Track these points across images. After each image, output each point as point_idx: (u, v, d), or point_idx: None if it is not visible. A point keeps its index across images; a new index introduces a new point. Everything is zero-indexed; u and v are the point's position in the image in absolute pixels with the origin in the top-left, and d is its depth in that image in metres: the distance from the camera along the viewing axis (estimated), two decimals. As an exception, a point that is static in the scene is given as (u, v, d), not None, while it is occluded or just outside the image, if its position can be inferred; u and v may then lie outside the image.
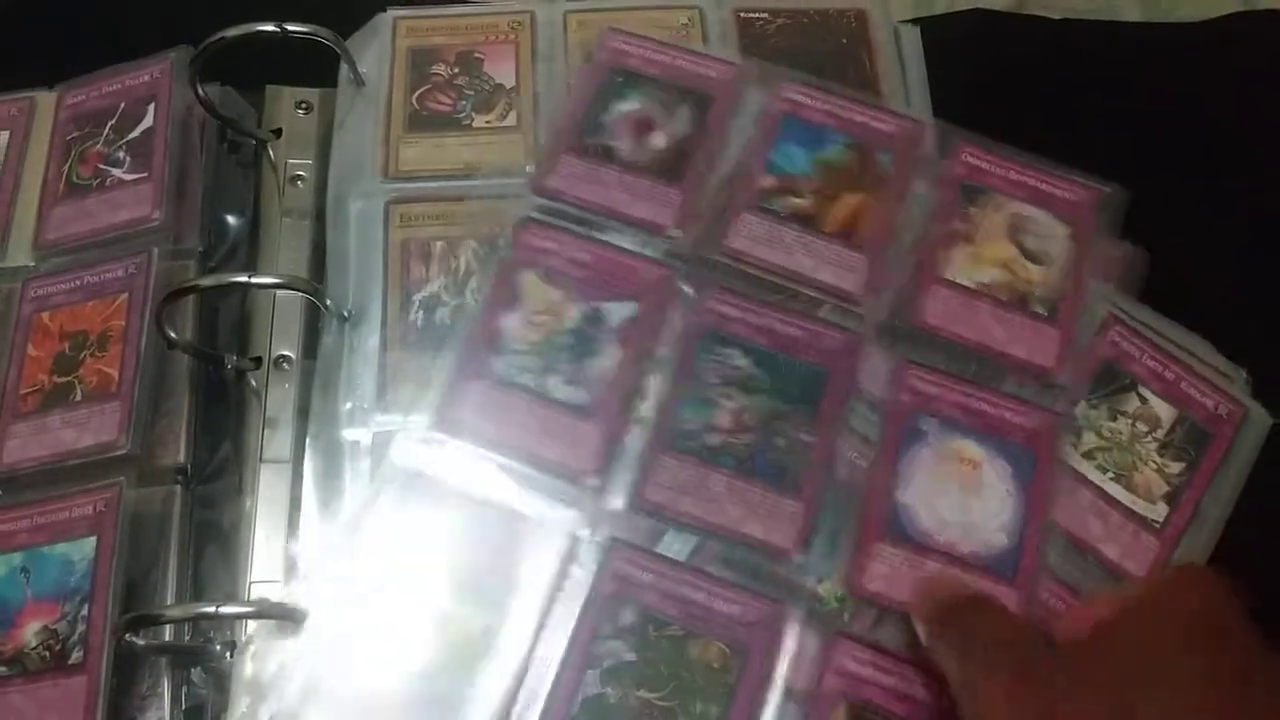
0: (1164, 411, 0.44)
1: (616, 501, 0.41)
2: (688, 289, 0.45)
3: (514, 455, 0.42)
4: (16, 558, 0.43)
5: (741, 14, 0.55)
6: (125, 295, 0.47)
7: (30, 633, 0.41)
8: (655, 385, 0.43)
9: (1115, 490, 0.43)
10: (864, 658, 0.39)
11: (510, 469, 0.42)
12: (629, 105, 0.49)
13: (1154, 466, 0.43)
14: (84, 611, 0.41)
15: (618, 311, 0.45)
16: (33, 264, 0.50)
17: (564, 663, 0.39)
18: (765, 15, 0.55)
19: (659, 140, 0.48)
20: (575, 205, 0.47)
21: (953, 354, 0.44)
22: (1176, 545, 0.42)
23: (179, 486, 0.45)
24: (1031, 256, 0.46)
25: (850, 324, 0.45)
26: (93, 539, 0.42)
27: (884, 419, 0.43)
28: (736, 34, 0.54)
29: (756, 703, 0.38)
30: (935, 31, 0.55)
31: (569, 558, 0.40)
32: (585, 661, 0.39)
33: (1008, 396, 0.43)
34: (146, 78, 0.52)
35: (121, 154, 0.51)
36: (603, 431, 0.42)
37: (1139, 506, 0.43)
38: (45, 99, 0.54)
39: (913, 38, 0.54)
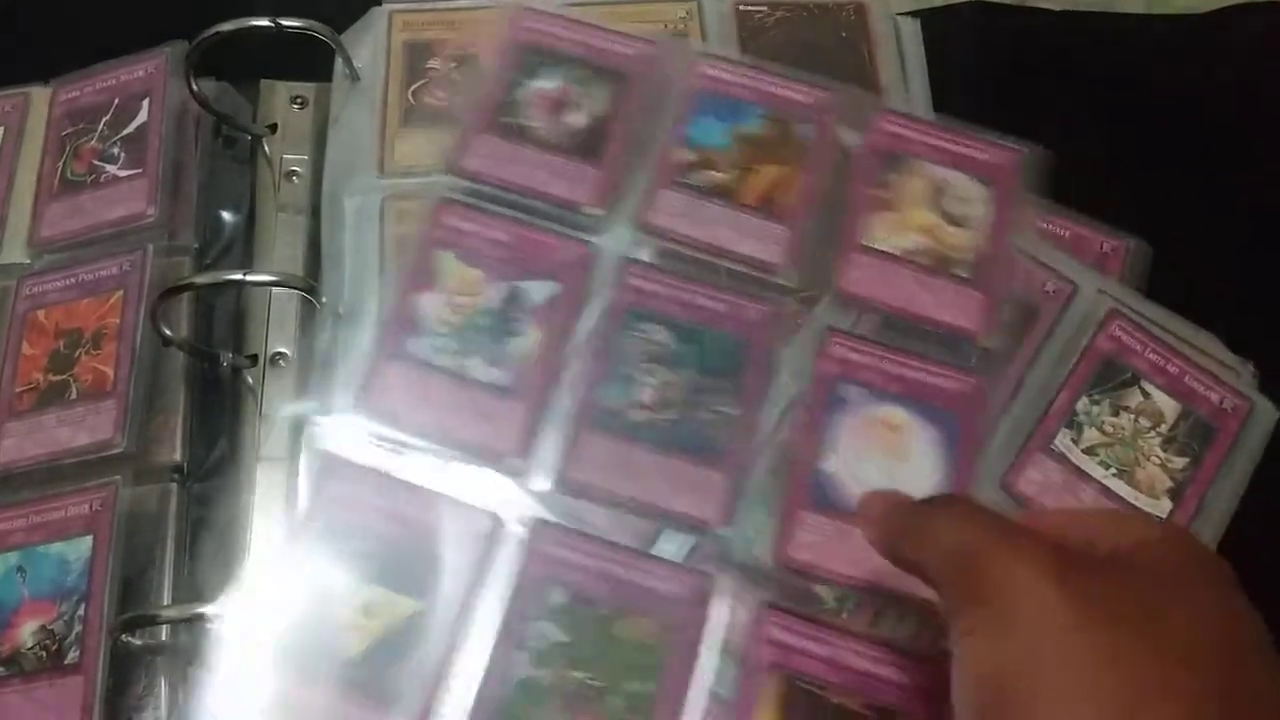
0: (1167, 406, 0.44)
1: (542, 482, 0.41)
2: (607, 266, 0.45)
3: (436, 438, 0.42)
4: (12, 557, 0.42)
5: (740, 7, 0.54)
6: (120, 292, 0.47)
7: (26, 633, 0.41)
8: (577, 364, 0.43)
9: (1118, 486, 0.43)
10: (795, 628, 0.39)
11: (433, 452, 0.42)
12: (545, 84, 0.48)
13: (1157, 462, 0.43)
14: (80, 611, 0.41)
15: (537, 291, 0.44)
16: (27, 261, 0.49)
17: (495, 646, 0.39)
18: (764, 8, 0.54)
19: (577, 119, 0.48)
20: (493, 185, 0.46)
21: (876, 321, 0.44)
22: None
23: (175, 485, 0.44)
24: (953, 220, 0.46)
25: (772, 295, 0.45)
26: (89, 538, 0.42)
27: (807, 388, 0.43)
28: (735, 27, 0.54)
29: (687, 678, 0.38)
30: (935, 24, 0.55)
31: (495, 540, 0.40)
32: (516, 644, 0.39)
33: (931, 361, 0.43)
34: (141, 73, 0.52)
35: (116, 150, 0.50)
36: (525, 412, 0.42)
37: (1142, 503, 0.42)
38: (39, 94, 0.53)
39: (912, 30, 0.54)
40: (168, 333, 0.45)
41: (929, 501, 0.33)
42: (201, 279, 0.45)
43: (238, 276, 0.44)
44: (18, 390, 0.46)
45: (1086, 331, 0.45)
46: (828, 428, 0.42)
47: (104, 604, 0.41)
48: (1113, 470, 0.43)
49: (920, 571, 0.32)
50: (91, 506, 0.43)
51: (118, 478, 0.43)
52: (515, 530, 0.40)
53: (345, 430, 0.42)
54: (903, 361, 0.43)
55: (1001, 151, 0.48)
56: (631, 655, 0.39)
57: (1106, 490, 0.42)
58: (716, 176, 0.47)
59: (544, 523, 0.41)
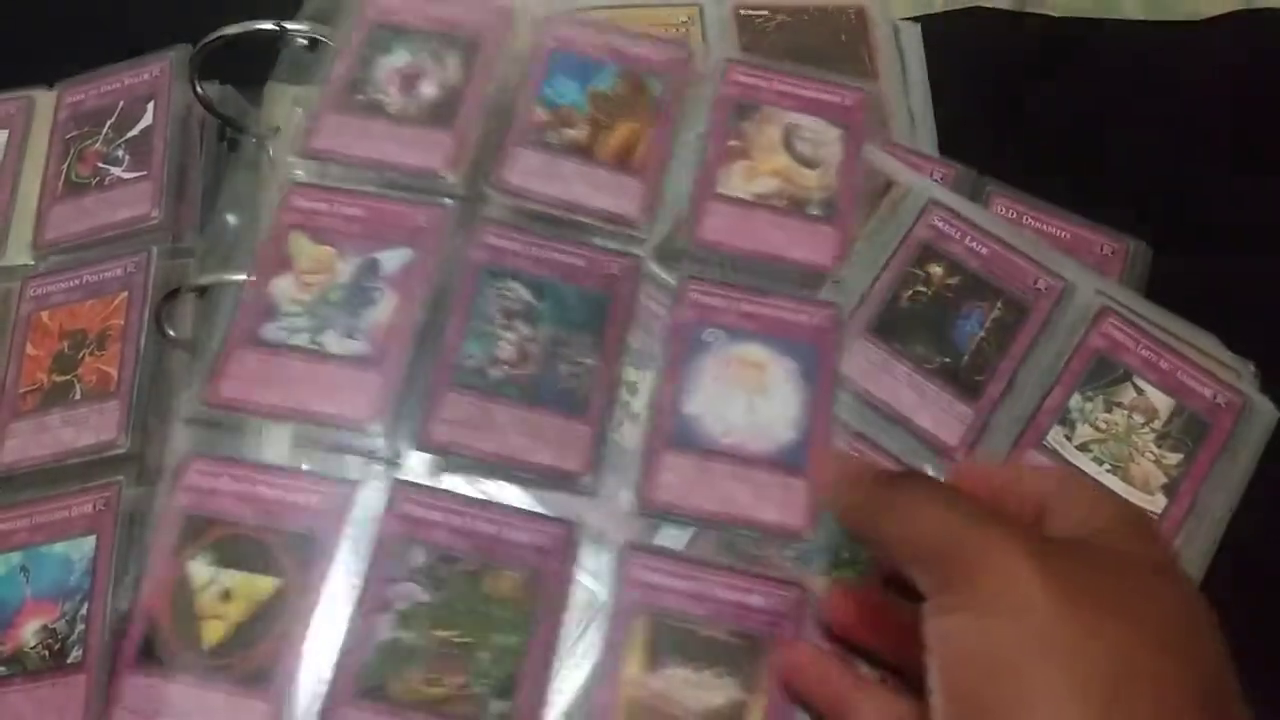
0: (1161, 402, 0.44)
1: (404, 445, 0.42)
2: (462, 227, 0.45)
3: (292, 417, 0.42)
4: (16, 557, 0.43)
5: (741, 11, 0.55)
6: (124, 294, 0.47)
7: (29, 632, 0.41)
8: (435, 325, 0.43)
9: (1112, 482, 0.43)
10: (657, 566, 0.40)
11: (292, 431, 0.42)
12: (397, 60, 0.49)
13: (1151, 458, 0.43)
14: (83, 611, 0.41)
15: (392, 259, 0.45)
16: (32, 263, 0.49)
17: (355, 610, 0.39)
18: (765, 12, 0.55)
19: (430, 90, 0.48)
20: (344, 161, 0.46)
21: (734, 266, 0.45)
22: (1176, 536, 0.42)
23: (178, 485, 0.44)
24: (805, 162, 0.47)
25: (631, 249, 0.45)
26: (92, 538, 0.42)
27: (668, 335, 0.44)
28: (736, 31, 0.54)
29: (556, 628, 0.39)
30: (935, 28, 0.55)
31: (351, 506, 0.40)
32: (378, 606, 0.39)
33: (788, 298, 0.45)
34: (146, 76, 0.52)
35: (121, 153, 0.51)
36: (384, 379, 0.42)
37: (1136, 498, 0.43)
38: (44, 97, 0.53)
39: (913, 34, 0.54)
40: (172, 334, 0.45)
41: (895, 478, 0.33)
42: (205, 280, 0.45)
43: (242, 278, 0.45)
44: (22, 391, 0.46)
45: (1079, 328, 0.45)
46: (688, 372, 0.43)
47: (106, 604, 0.41)
48: (1106, 466, 0.43)
49: (885, 548, 0.32)
50: (95, 506, 0.43)
51: (121, 478, 0.43)
52: (372, 495, 0.41)
53: (200, 426, 0.42)
54: (760, 301, 0.44)
55: (850, 93, 0.49)
56: (499, 609, 0.39)
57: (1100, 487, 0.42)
58: (571, 134, 0.47)
59: (401, 483, 0.41)
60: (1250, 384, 0.45)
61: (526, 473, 0.41)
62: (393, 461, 0.41)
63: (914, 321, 0.45)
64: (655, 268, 0.45)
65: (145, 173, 0.50)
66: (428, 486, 0.41)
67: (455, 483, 0.41)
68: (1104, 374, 0.44)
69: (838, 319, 0.44)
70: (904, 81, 0.53)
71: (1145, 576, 0.29)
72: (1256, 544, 0.42)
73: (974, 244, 0.46)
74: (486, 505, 0.41)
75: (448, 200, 0.46)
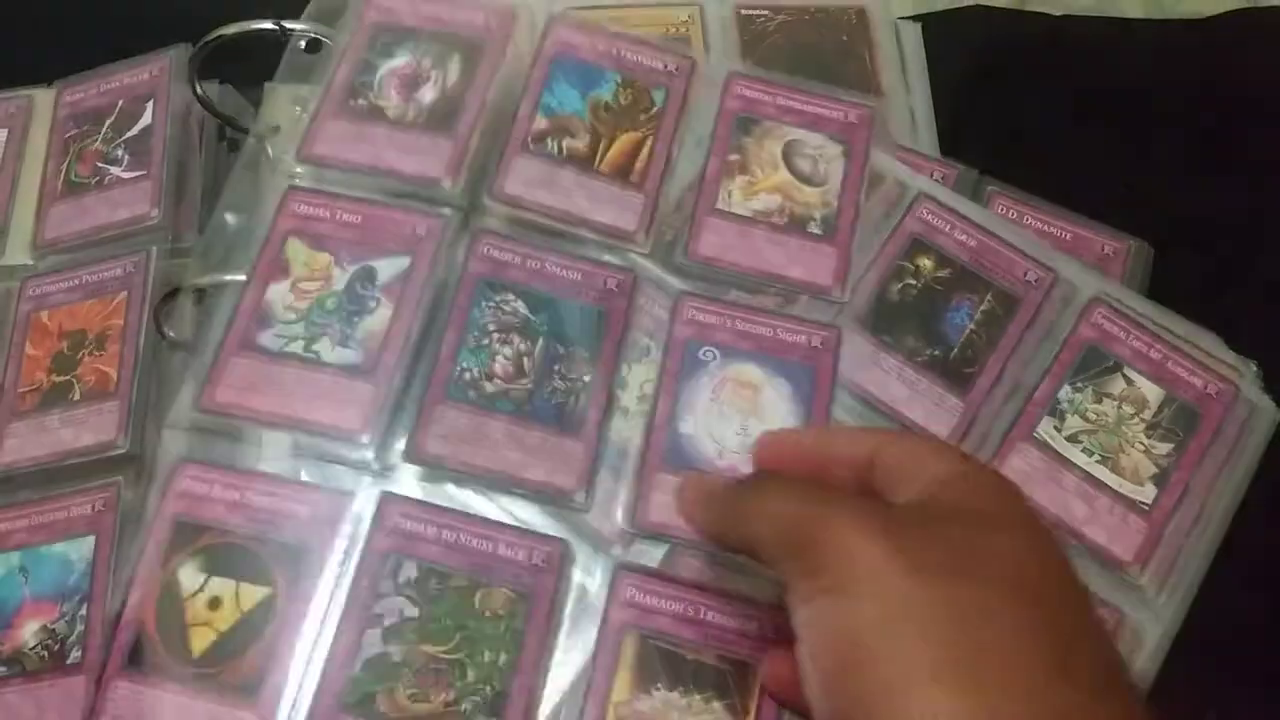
0: (1151, 392, 0.44)
1: (394, 457, 0.41)
2: (459, 238, 0.45)
3: (285, 425, 0.41)
4: (15, 557, 0.43)
5: (742, 11, 0.55)
6: (124, 294, 0.47)
7: (29, 632, 0.41)
8: (431, 336, 0.43)
9: (1101, 473, 0.43)
10: (649, 587, 0.39)
11: (285, 439, 0.41)
12: (397, 62, 0.48)
13: (1141, 448, 0.43)
14: (82, 611, 0.41)
15: (389, 267, 0.44)
16: (31, 263, 0.49)
17: (342, 624, 0.38)
18: (766, 12, 0.55)
19: (429, 93, 0.47)
20: (342, 167, 0.46)
21: (732, 283, 0.45)
22: (1166, 526, 0.42)
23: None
24: (806, 179, 0.47)
25: (628, 263, 0.45)
26: (91, 538, 0.42)
27: (664, 352, 0.43)
28: (737, 31, 0.54)
29: (546, 645, 0.38)
30: (936, 27, 0.55)
31: (343, 517, 0.40)
32: (365, 621, 0.38)
33: (786, 317, 0.44)
34: (145, 76, 0.52)
35: (120, 152, 0.51)
36: (376, 389, 0.42)
37: (1126, 489, 0.43)
38: (43, 96, 0.53)
39: (913, 34, 0.54)
40: (171, 334, 0.45)
41: (744, 481, 0.33)
42: (204, 281, 0.45)
43: (241, 278, 0.44)
44: (21, 391, 0.46)
45: (1069, 320, 0.45)
46: (684, 390, 0.43)
47: (106, 604, 0.41)
48: (1096, 457, 0.43)
49: (748, 549, 0.32)
50: (94, 507, 0.43)
51: (120, 478, 0.43)
52: (365, 506, 0.40)
53: (192, 432, 0.42)
54: (757, 320, 0.44)
55: (853, 109, 0.48)
56: (489, 626, 0.39)
57: (1090, 477, 0.43)
58: (571, 143, 0.47)
59: (391, 496, 0.40)
60: (1253, 384, 0.45)
61: (519, 488, 0.41)
62: (383, 473, 0.41)
63: (904, 314, 0.45)
64: (651, 265, 0.45)
65: (144, 172, 0.49)
66: (418, 500, 0.40)
67: (447, 496, 0.41)
68: (1094, 364, 0.44)
69: (836, 340, 0.43)
70: (904, 81, 0.53)
71: (990, 533, 0.28)
72: (1261, 546, 0.42)
73: (963, 236, 0.46)
74: (478, 520, 0.40)
75: (446, 210, 0.45)
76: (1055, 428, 0.43)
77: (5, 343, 0.47)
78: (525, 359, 0.43)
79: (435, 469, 0.41)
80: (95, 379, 0.45)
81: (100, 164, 0.50)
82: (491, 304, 0.43)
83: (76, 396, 0.45)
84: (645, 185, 0.46)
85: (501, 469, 0.41)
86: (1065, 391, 0.44)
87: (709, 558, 0.40)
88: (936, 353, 0.44)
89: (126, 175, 0.50)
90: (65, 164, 0.51)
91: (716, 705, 0.38)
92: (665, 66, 0.49)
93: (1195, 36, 0.57)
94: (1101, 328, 0.45)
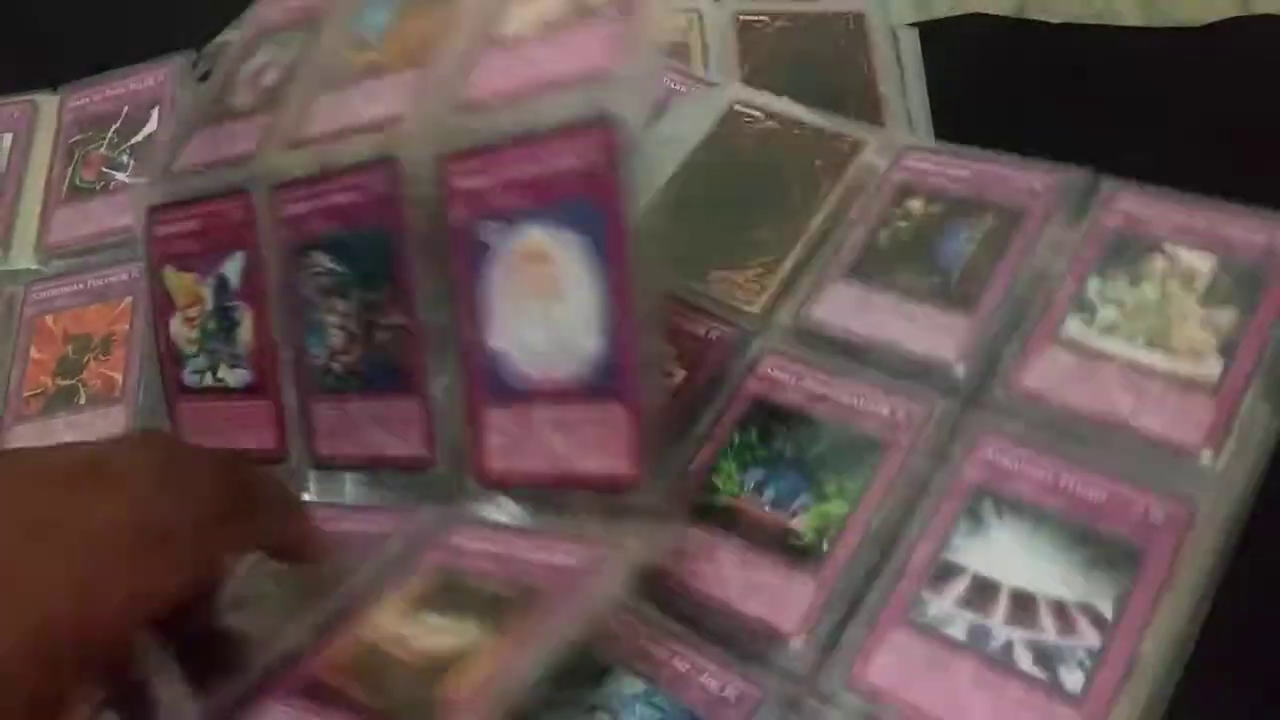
0: (1200, 261, 0.38)
1: (305, 467, 0.39)
2: (263, 203, 0.39)
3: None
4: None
5: (740, 16, 0.55)
6: (129, 299, 0.47)
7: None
8: (282, 328, 0.39)
9: (1150, 358, 0.37)
10: (478, 535, 0.35)
11: None
12: (257, 61, 0.44)
13: (1197, 321, 0.37)
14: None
15: (232, 269, 0.41)
16: (36, 267, 0.50)
17: None
18: (764, 18, 0.55)
19: (270, 77, 0.43)
20: (198, 172, 0.42)
21: (497, 129, 0.34)
22: (1242, 397, 0.35)
23: (182, 489, 0.45)
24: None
25: (392, 155, 0.36)
26: (96, 541, 0.43)
27: (448, 248, 0.35)
28: (735, 36, 0.54)
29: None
30: (934, 35, 0.55)
31: None
32: None
33: (555, 134, 0.33)
34: (150, 82, 0.53)
35: (125, 158, 0.51)
36: (273, 404, 0.40)
37: (1185, 369, 0.36)
38: (48, 102, 0.54)
39: (911, 41, 0.55)
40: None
41: None
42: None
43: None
44: (26, 395, 0.46)
45: (1087, 213, 0.41)
46: (479, 290, 0.35)
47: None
48: (1141, 343, 0.37)
49: None
50: (99, 510, 0.43)
51: (125, 482, 0.44)
52: None
53: None
54: (522, 156, 0.34)
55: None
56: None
57: (1136, 365, 0.37)
58: (369, 57, 0.40)
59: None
60: None
61: (387, 469, 0.38)
62: (306, 488, 0.40)
63: (896, 255, 0.42)
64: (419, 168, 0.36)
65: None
66: (324, 502, 0.39)
67: (366, 497, 0.39)
68: (1125, 251, 0.39)
69: (616, 144, 0.31)
70: (902, 88, 0.53)
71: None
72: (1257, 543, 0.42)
73: (956, 170, 0.44)
74: (333, 506, 0.38)
75: (252, 184, 0.40)
76: (1085, 323, 0.38)
77: (10, 347, 0.48)
78: (350, 320, 0.37)
79: (330, 470, 0.39)
80: (101, 383, 0.46)
81: (105, 169, 0.51)
82: (310, 270, 0.38)
83: (82, 401, 0.46)
84: (414, 70, 0.38)
85: (369, 451, 0.38)
86: (1094, 283, 0.39)
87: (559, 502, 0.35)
88: (936, 280, 0.40)
89: (131, 180, 0.50)
90: (70, 169, 0.51)
91: (472, 625, 0.31)
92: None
93: (1192, 44, 0.58)
94: (1129, 213, 0.39)
